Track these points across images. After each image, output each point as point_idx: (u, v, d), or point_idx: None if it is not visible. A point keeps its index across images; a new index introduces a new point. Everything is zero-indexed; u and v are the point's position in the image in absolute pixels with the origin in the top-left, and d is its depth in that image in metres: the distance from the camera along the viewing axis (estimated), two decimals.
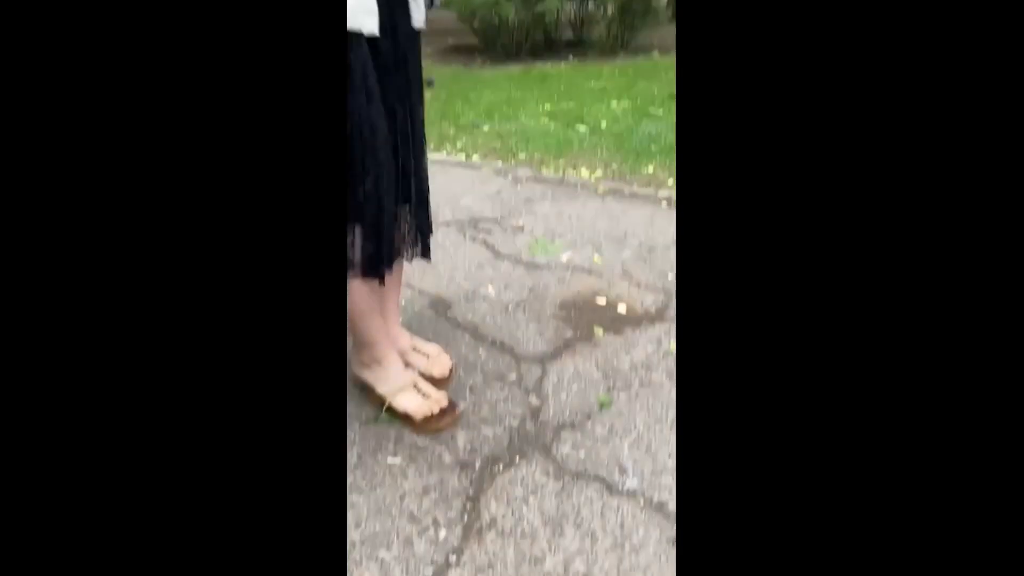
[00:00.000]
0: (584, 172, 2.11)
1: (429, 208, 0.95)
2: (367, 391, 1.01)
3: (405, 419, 0.97)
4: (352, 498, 0.85)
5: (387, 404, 0.97)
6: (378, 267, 0.85)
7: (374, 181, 0.78)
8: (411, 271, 1.39)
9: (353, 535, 0.80)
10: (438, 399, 0.95)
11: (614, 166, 2.14)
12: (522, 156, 2.29)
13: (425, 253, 0.97)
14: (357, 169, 0.77)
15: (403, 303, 1.27)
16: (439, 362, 1.05)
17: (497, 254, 1.52)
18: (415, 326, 1.20)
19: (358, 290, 0.86)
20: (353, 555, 0.78)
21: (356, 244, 0.82)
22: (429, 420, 0.95)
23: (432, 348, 1.09)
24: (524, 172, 2.10)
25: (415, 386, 0.97)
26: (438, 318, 1.25)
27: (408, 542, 0.79)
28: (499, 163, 2.21)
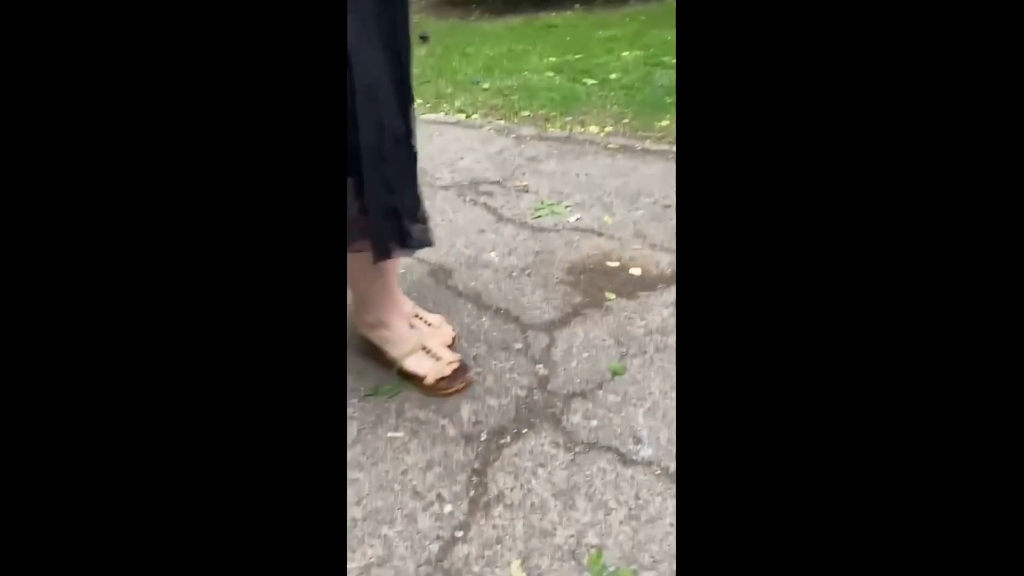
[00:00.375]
0: (592, 128, 2.05)
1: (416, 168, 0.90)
2: (374, 354, 1.01)
3: (415, 381, 0.97)
4: (353, 474, 0.86)
5: (398, 366, 0.98)
6: (399, 231, 0.82)
7: (380, 132, 0.73)
8: None
9: (355, 512, 0.80)
10: (450, 360, 0.95)
11: (625, 121, 2.08)
12: (525, 113, 2.23)
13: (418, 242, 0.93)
14: (363, 120, 0.72)
15: (401, 271, 1.26)
16: (441, 333, 1.05)
17: (500, 217, 1.49)
18: (414, 295, 1.19)
19: (360, 256, 0.86)
20: (355, 532, 0.78)
21: (373, 206, 0.77)
22: (441, 382, 0.95)
23: (434, 318, 1.08)
24: (528, 130, 2.05)
25: (424, 348, 0.97)
26: (438, 287, 1.24)
27: (412, 518, 0.80)
28: (500, 122, 2.15)
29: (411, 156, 0.79)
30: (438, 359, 0.97)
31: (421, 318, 1.06)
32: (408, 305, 1.04)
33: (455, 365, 0.97)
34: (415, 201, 0.82)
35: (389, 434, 0.91)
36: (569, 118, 2.15)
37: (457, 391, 0.97)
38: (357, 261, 0.89)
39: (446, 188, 1.63)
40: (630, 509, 0.77)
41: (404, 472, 0.86)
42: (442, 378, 0.96)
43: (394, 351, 0.98)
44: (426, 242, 0.86)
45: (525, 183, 1.65)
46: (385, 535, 0.78)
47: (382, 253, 0.80)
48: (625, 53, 2.90)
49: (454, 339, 1.07)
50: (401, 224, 0.78)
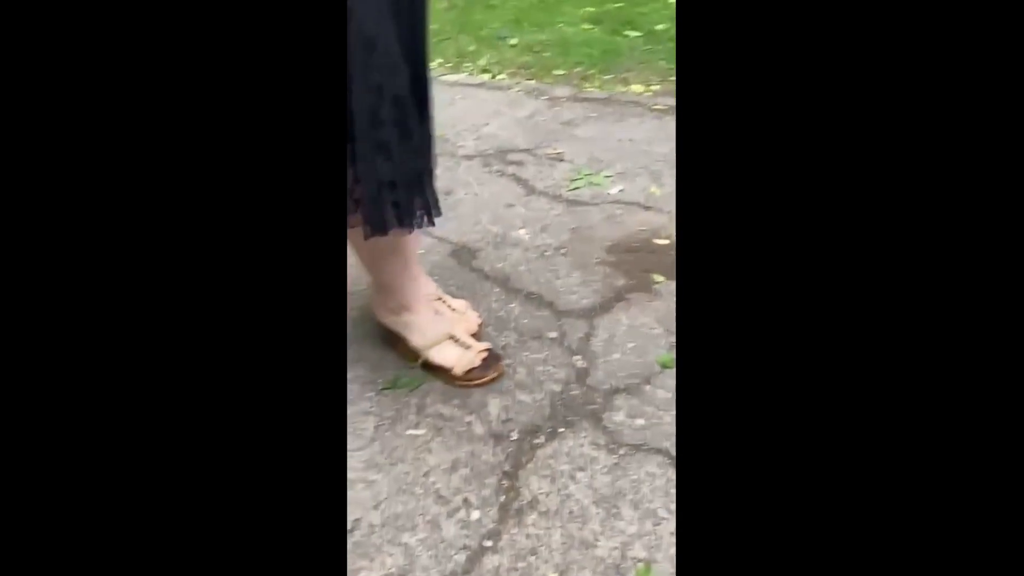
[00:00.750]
0: (636, 87, 2.01)
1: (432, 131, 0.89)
2: (394, 342, 1.02)
3: (441, 373, 0.98)
4: (370, 475, 0.87)
5: (423, 358, 0.99)
6: (413, 207, 0.82)
7: (378, 93, 0.73)
8: None
9: (372, 517, 0.82)
10: (480, 350, 0.96)
11: (673, 78, 2.02)
12: (559, 72, 2.20)
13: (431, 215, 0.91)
14: (357, 77, 0.71)
15: (420, 251, 1.26)
16: (465, 320, 1.05)
17: (531, 190, 1.48)
18: (435, 279, 1.19)
19: (378, 241, 0.85)
20: (372, 539, 0.80)
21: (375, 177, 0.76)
22: (471, 372, 0.96)
23: (458, 303, 1.08)
24: (562, 91, 2.02)
25: (452, 336, 0.98)
26: (462, 269, 1.24)
27: (435, 524, 0.81)
28: (531, 82, 2.13)
29: (418, 120, 0.77)
30: (467, 347, 0.98)
31: (444, 303, 1.06)
32: (430, 288, 1.04)
33: (485, 354, 0.97)
34: (420, 172, 0.80)
35: (409, 431, 0.92)
36: (609, 76, 2.11)
37: (489, 381, 0.97)
38: (371, 243, 0.89)
39: (470, 158, 1.63)
40: None
41: (426, 474, 0.87)
42: (472, 368, 0.96)
43: (417, 340, 0.99)
44: (430, 220, 0.85)
45: (559, 151, 1.64)
46: (406, 543, 0.79)
47: (376, 228, 0.78)
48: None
49: (480, 327, 1.07)
50: (399, 197, 0.76)
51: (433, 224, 0.86)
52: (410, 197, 0.80)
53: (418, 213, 0.83)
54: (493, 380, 0.97)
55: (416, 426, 0.93)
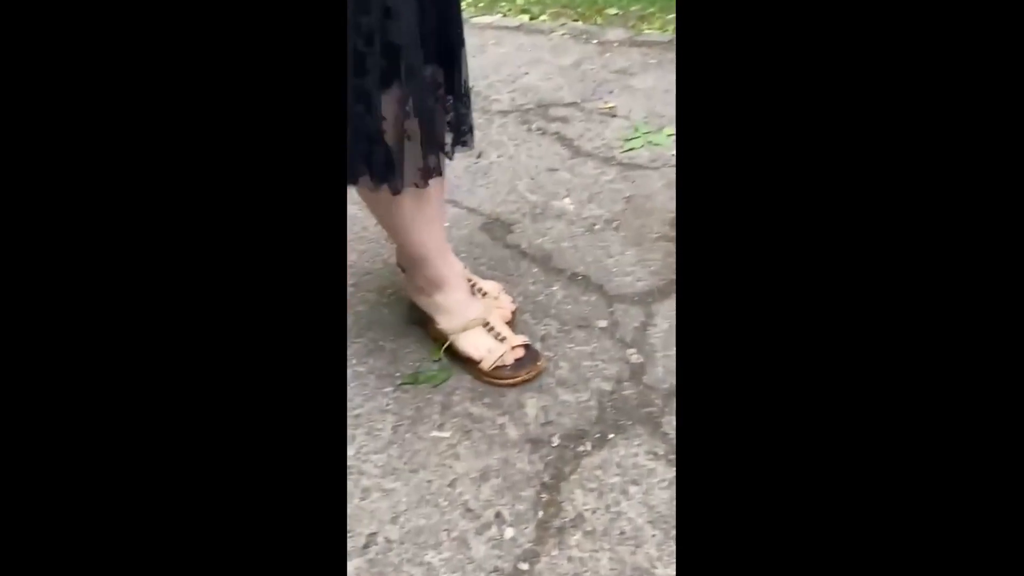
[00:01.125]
0: None
1: (464, 78, 0.88)
2: (426, 323, 1.02)
3: (469, 365, 0.98)
4: (388, 483, 0.86)
5: (447, 343, 0.98)
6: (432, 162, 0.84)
7: (369, 39, 0.73)
8: (454, 183, 1.36)
9: (390, 532, 0.81)
10: (516, 344, 0.96)
11: None
12: (611, 11, 2.12)
13: (462, 142, 0.92)
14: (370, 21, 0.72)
15: (446, 224, 1.25)
16: (498, 305, 1.04)
17: (577, 151, 1.44)
18: (462, 256, 1.18)
19: (402, 197, 0.86)
20: (390, 557, 0.79)
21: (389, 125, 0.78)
22: (501, 370, 0.95)
23: (490, 285, 1.07)
24: (615, 34, 1.95)
25: (486, 324, 0.97)
26: (495, 245, 1.22)
27: (463, 542, 0.79)
28: (578, 24, 2.06)
29: (411, 68, 0.77)
30: (501, 339, 0.96)
31: (474, 285, 1.04)
32: (458, 267, 1.02)
33: (520, 352, 0.96)
34: (432, 122, 0.82)
35: (433, 433, 0.92)
36: (672, 15, 2.02)
37: (522, 382, 0.96)
38: (398, 212, 0.89)
39: (504, 114, 1.59)
40: None
41: (452, 483, 0.86)
42: (502, 366, 0.95)
43: (445, 322, 0.98)
44: (416, 181, 0.85)
45: (611, 104, 1.59)
46: (428, 563, 0.78)
47: (379, 180, 0.83)
48: None
49: (514, 314, 1.05)
50: (373, 150, 0.80)
51: (438, 175, 0.87)
52: (388, 155, 0.81)
53: (397, 172, 0.83)
54: (526, 381, 0.96)
55: (440, 427, 0.92)
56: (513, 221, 1.27)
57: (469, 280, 1.03)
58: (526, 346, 0.97)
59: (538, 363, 0.96)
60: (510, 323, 1.03)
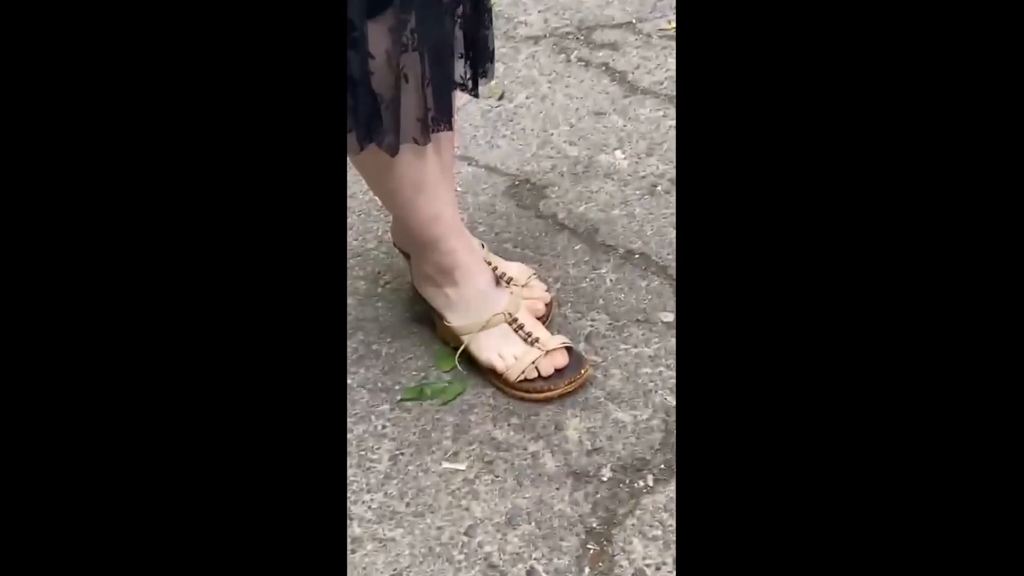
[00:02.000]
0: None
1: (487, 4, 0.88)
2: (434, 321, 1.03)
3: (490, 376, 0.98)
4: (384, 530, 0.87)
5: (461, 347, 0.99)
6: (440, 113, 0.84)
7: None
8: (468, 133, 1.35)
9: None
10: (552, 347, 0.96)
11: None
12: None
13: (483, 73, 0.92)
14: None
15: (459, 190, 1.25)
16: (528, 293, 1.04)
17: (632, 88, 1.44)
18: (482, 232, 1.18)
19: (399, 158, 0.86)
20: None
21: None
22: (532, 384, 0.96)
23: (518, 270, 1.07)
24: None
25: (512, 320, 0.98)
26: (524, 214, 1.23)
27: None
28: None
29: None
30: (532, 340, 0.97)
31: (495, 269, 1.05)
32: (475, 247, 1.03)
33: (559, 360, 0.96)
34: (441, 59, 0.83)
35: (444, 465, 0.92)
36: None
37: (561, 395, 0.96)
38: (398, 178, 0.89)
39: (535, 40, 1.58)
40: None
41: (469, 531, 0.86)
42: (534, 377, 0.95)
43: (457, 319, 0.99)
44: (426, 136, 0.84)
45: (674, 24, 1.57)
46: None
47: (361, 138, 0.84)
48: None
49: (549, 306, 1.05)
50: (357, 98, 0.79)
51: (447, 126, 0.87)
52: (360, 104, 0.79)
53: (423, 118, 0.83)
54: (566, 394, 0.96)
55: (454, 457, 0.93)
56: (547, 183, 1.27)
57: (489, 263, 1.04)
58: (567, 349, 0.97)
59: (582, 371, 0.96)
60: (544, 318, 1.03)
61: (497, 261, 1.06)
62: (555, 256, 1.14)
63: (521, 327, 0.98)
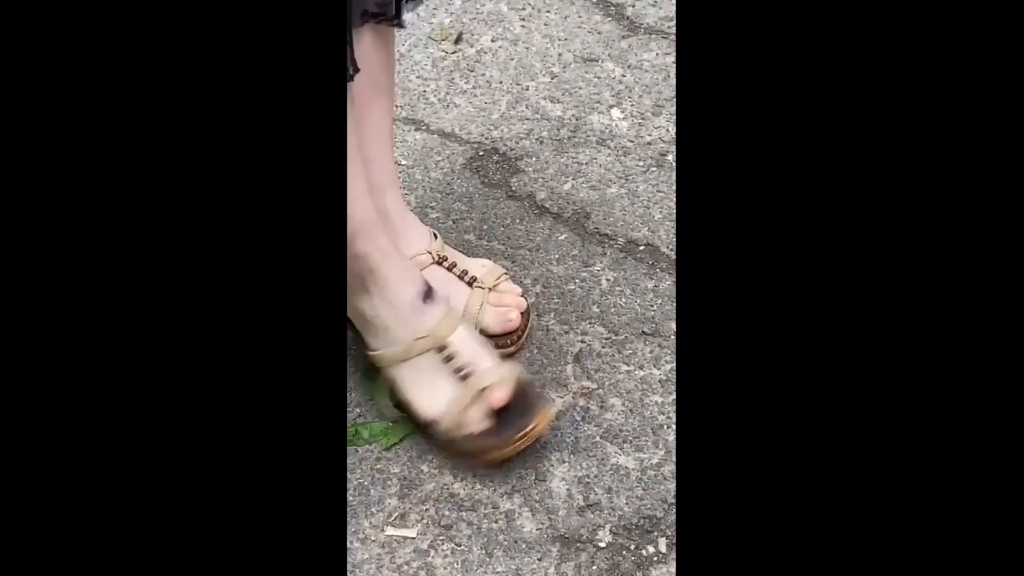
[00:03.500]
0: None
1: None
2: (357, 343, 1.03)
3: (422, 429, 0.99)
4: None
5: (379, 384, 1.00)
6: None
7: None
8: (416, 89, 1.36)
9: None
10: (496, 381, 0.96)
11: None
12: None
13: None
14: None
15: (402, 162, 1.26)
16: (498, 298, 1.05)
17: (631, 26, 1.45)
18: (436, 219, 1.20)
19: None
20: None
21: None
22: (474, 441, 0.96)
23: (481, 266, 1.08)
24: None
25: (440, 349, 0.97)
26: (490, 193, 1.24)
27: None
28: None
29: None
30: (465, 375, 0.96)
31: (452, 266, 1.06)
32: (422, 236, 1.04)
33: (501, 396, 0.95)
34: None
35: (389, 531, 0.93)
36: None
37: (512, 454, 0.95)
38: None
39: None
40: None
41: None
42: (479, 434, 0.95)
43: (373, 342, 0.99)
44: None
45: None
46: None
47: None
48: None
49: (526, 315, 1.06)
50: None
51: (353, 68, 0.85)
52: None
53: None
54: (517, 451, 0.94)
55: (401, 520, 0.93)
56: (522, 152, 1.28)
57: (442, 257, 1.05)
58: (517, 382, 0.95)
59: (539, 420, 0.95)
60: (518, 333, 1.04)
61: (456, 257, 1.07)
62: (533, 250, 1.15)
63: (451, 357, 0.96)
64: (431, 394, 0.96)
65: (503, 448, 0.94)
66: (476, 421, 0.95)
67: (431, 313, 0.97)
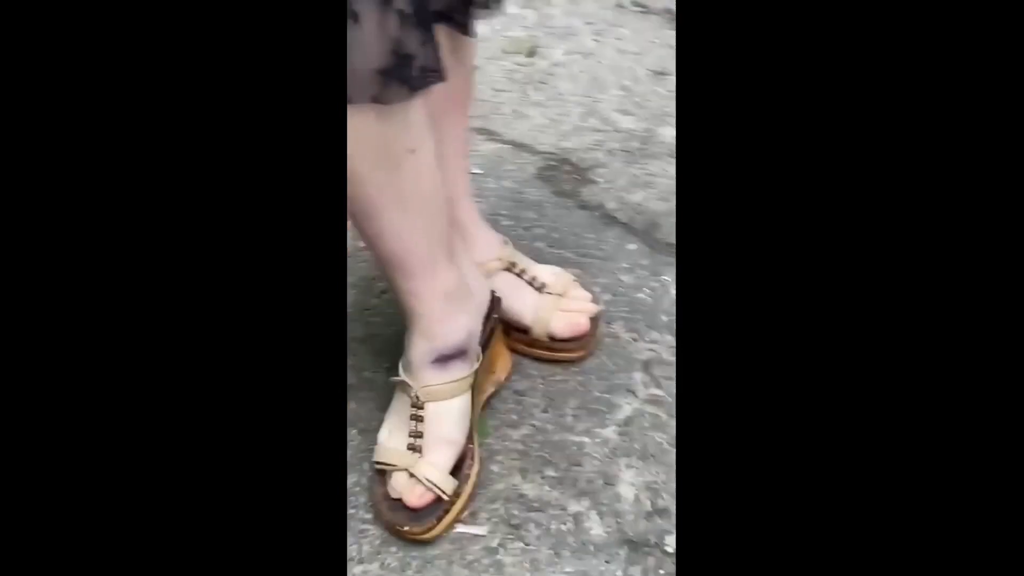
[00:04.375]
0: None
1: None
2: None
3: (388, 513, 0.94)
4: None
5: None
6: (408, 62, 0.75)
7: None
8: (489, 100, 1.37)
9: None
10: (409, 487, 0.94)
11: None
12: None
13: (484, 3, 0.91)
14: None
15: (475, 171, 1.27)
16: (570, 304, 1.06)
17: None
18: (508, 226, 1.20)
19: (355, 128, 0.77)
20: None
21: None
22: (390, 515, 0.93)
23: (552, 274, 1.08)
24: None
25: (417, 408, 0.94)
26: (561, 204, 1.24)
27: None
28: None
29: None
30: (416, 446, 0.93)
31: (520, 272, 1.06)
32: (494, 244, 1.04)
33: (473, 470, 0.94)
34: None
35: (459, 528, 0.93)
36: None
37: (426, 536, 0.91)
38: (352, 158, 0.79)
39: None
40: None
41: None
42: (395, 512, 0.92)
43: (414, 350, 0.94)
44: (375, 91, 0.75)
45: None
46: None
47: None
48: None
49: (595, 321, 1.06)
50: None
51: (435, 76, 0.79)
52: (380, 33, 0.71)
53: (389, 67, 0.74)
54: (429, 536, 0.90)
55: (471, 518, 0.93)
56: (593, 163, 1.28)
57: (512, 264, 1.05)
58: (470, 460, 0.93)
59: (444, 510, 0.92)
60: (587, 338, 1.04)
61: (525, 263, 1.07)
62: (603, 258, 1.16)
63: (415, 418, 0.94)
64: (396, 433, 0.95)
65: (418, 534, 0.91)
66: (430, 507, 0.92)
67: (432, 374, 0.95)
